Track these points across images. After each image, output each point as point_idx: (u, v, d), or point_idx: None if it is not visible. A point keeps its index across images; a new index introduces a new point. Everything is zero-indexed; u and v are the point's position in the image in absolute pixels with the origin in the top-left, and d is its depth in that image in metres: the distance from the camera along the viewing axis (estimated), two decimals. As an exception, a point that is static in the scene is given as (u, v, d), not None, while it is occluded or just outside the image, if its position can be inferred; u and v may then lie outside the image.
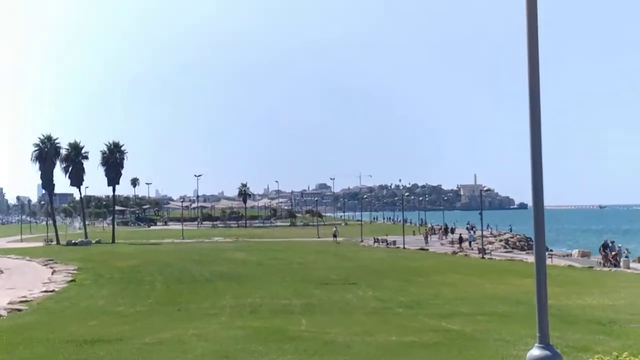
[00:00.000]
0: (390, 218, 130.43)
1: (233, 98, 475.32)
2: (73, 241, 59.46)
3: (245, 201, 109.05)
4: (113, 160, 67.59)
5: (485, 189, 66.22)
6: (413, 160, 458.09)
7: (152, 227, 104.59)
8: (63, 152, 64.37)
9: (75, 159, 64.65)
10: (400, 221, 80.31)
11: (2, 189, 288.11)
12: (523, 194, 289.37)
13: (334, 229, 66.19)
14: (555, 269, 32.47)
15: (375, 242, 57.27)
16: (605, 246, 38.61)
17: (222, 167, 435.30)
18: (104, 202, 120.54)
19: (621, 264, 36.02)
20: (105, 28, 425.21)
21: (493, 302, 20.14)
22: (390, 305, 19.57)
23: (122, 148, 68.48)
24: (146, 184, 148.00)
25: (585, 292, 22.59)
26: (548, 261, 32.60)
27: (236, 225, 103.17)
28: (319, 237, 67.18)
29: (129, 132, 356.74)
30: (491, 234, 76.41)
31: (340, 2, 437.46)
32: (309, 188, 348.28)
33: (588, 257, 44.89)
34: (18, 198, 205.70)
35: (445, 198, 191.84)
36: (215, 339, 12.27)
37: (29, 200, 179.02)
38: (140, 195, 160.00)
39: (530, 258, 36.65)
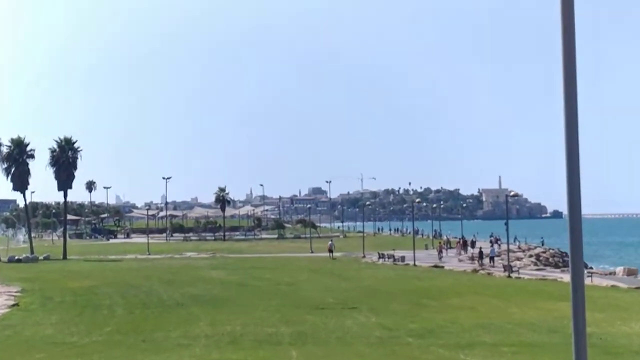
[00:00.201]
0: (397, 229, 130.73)
1: (208, 86, 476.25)
2: (16, 257, 59.25)
3: (223, 209, 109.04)
4: (65, 159, 67.33)
5: (511, 194, 66.21)
6: (425, 159, 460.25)
7: (111, 241, 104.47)
8: (4, 149, 64.42)
9: (18, 158, 64.61)
10: (410, 233, 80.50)
11: None
12: (557, 201, 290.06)
13: (330, 242, 66.27)
14: (596, 290, 32.55)
15: (379, 257, 57.34)
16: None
17: (195, 168, 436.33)
18: (54, 210, 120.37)
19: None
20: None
21: (520, 329, 20.24)
22: (397, 334, 19.66)
23: (76, 145, 68.26)
24: (104, 188, 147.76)
25: (632, 317, 22.72)
26: (587, 281, 32.71)
27: (213, 237, 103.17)
28: (312, 252, 67.40)
29: (84, 127, 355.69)
30: (519, 248, 76.63)
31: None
32: (300, 193, 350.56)
33: (635, 276, 45.03)
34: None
35: (464, 205, 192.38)
36: (187, 375, 12.26)
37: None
38: (97, 202, 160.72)
39: (566, 277, 36.72)
